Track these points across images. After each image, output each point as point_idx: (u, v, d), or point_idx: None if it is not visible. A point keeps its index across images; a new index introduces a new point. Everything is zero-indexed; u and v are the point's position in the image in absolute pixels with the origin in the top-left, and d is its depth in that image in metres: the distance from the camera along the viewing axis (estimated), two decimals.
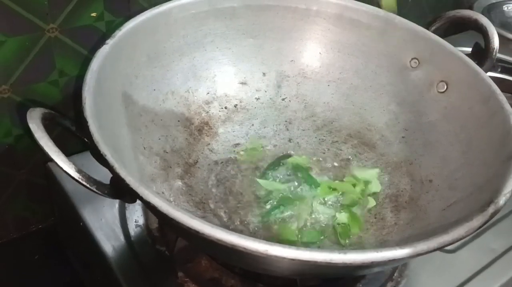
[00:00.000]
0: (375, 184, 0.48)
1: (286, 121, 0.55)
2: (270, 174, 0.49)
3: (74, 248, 0.57)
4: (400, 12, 0.54)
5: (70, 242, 0.57)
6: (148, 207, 0.31)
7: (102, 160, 0.33)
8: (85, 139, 0.35)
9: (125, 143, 0.42)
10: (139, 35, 0.47)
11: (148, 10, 0.48)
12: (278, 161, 0.51)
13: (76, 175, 0.31)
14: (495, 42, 0.50)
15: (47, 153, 0.31)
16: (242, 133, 0.53)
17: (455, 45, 0.50)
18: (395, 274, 0.45)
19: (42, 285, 0.62)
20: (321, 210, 0.45)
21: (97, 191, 0.32)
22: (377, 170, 0.50)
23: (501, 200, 0.34)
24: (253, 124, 0.54)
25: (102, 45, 0.42)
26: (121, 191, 0.33)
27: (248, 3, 0.54)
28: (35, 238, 0.61)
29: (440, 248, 0.31)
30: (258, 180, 0.47)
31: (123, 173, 0.31)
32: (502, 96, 0.44)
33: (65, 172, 0.31)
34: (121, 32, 0.44)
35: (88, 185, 0.32)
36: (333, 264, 0.29)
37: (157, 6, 0.49)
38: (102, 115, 0.38)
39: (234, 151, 0.51)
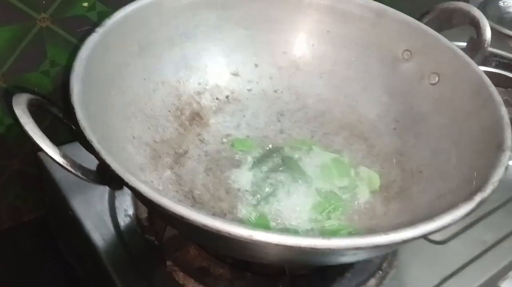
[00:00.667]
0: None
1: (277, 112, 0.55)
2: (261, 166, 0.48)
3: (65, 238, 0.57)
4: (395, 5, 0.54)
5: (61, 232, 0.57)
6: (134, 193, 0.31)
7: (89, 146, 0.33)
8: (72, 126, 0.35)
9: (114, 132, 0.41)
10: (130, 24, 0.46)
11: (140, 0, 0.48)
12: (269, 153, 0.51)
13: (61, 160, 0.31)
14: (487, 33, 0.50)
15: (32, 138, 0.30)
16: (234, 124, 0.53)
17: (451, 39, 0.50)
18: (384, 265, 0.45)
19: (34, 276, 0.62)
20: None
21: (82, 176, 0.32)
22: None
23: (489, 189, 0.34)
24: (244, 116, 0.54)
25: (92, 34, 0.42)
26: (107, 177, 0.33)
27: None
28: (28, 229, 0.61)
29: (426, 235, 0.31)
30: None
31: (108, 159, 0.31)
32: (492, 88, 0.44)
33: (50, 157, 0.31)
34: (111, 21, 0.44)
35: (73, 170, 0.32)
36: (318, 249, 0.29)
37: None
38: (91, 103, 0.38)
39: (224, 142, 0.51)
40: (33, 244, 0.61)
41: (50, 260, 0.62)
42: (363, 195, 0.47)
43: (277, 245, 0.28)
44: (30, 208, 0.59)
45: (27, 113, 0.31)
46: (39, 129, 0.31)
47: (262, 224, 0.42)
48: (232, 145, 0.51)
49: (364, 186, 0.47)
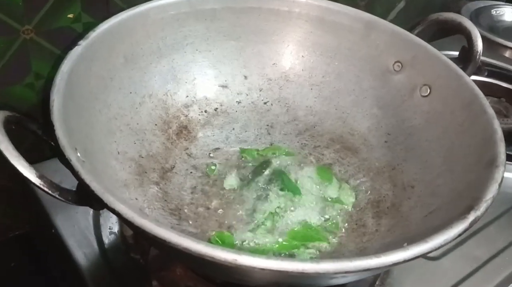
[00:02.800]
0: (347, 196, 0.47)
1: (267, 125, 0.54)
2: (252, 182, 0.47)
3: (50, 255, 0.55)
4: (388, 17, 0.53)
5: (47, 249, 0.56)
6: (115, 214, 0.30)
7: (68, 165, 0.31)
8: (52, 143, 0.33)
9: (97, 147, 0.40)
10: (115, 36, 0.45)
11: (125, 11, 0.47)
12: (260, 168, 0.49)
13: (37, 181, 0.30)
14: (479, 45, 0.49)
15: (7, 157, 0.29)
16: (222, 137, 0.52)
17: (442, 49, 0.49)
18: (377, 282, 0.44)
19: None
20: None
21: (59, 197, 0.31)
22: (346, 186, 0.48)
23: (482, 207, 0.33)
24: (233, 129, 0.53)
25: (74, 46, 0.41)
26: (87, 197, 0.32)
27: (229, 5, 0.53)
28: (14, 245, 0.59)
29: (418, 257, 0.30)
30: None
31: (88, 179, 0.30)
32: (485, 100, 0.43)
33: (25, 177, 0.29)
34: (95, 33, 0.43)
35: (50, 191, 0.31)
36: (306, 274, 0.28)
37: (134, 7, 0.47)
38: (73, 118, 0.37)
39: (212, 156, 0.50)
40: (19, 260, 0.60)
41: (35, 276, 0.61)
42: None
43: (262, 269, 0.27)
44: (16, 224, 0.58)
45: (2, 131, 0.30)
46: (14, 148, 0.30)
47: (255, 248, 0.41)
48: (220, 159, 0.50)
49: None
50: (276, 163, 0.49)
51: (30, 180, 0.30)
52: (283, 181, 0.47)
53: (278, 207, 0.44)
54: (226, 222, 0.44)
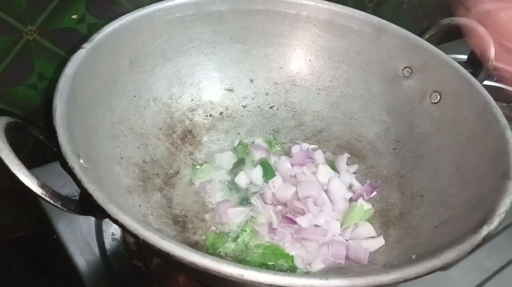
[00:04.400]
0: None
1: (273, 130, 0.53)
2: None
3: (51, 259, 0.55)
4: (396, 18, 0.52)
5: (48, 252, 0.55)
6: (118, 225, 0.29)
7: (71, 172, 0.31)
8: (54, 149, 0.33)
9: (101, 153, 0.39)
10: (120, 39, 0.45)
11: (130, 13, 0.46)
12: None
13: (39, 191, 0.29)
14: (491, 51, 0.48)
15: (7, 166, 0.28)
16: (228, 142, 0.51)
17: (450, 52, 0.48)
18: None
19: None
20: None
21: (62, 207, 0.30)
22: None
23: (495, 221, 0.33)
24: (239, 133, 0.52)
25: (78, 49, 0.40)
26: (90, 206, 0.31)
27: (236, 7, 0.52)
28: (15, 246, 0.59)
29: (429, 273, 0.29)
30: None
31: (91, 188, 0.29)
32: (497, 109, 0.42)
33: (27, 187, 0.29)
34: (100, 36, 0.42)
35: (52, 201, 0.30)
36: None
37: (140, 9, 0.47)
38: (76, 123, 0.36)
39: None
40: (20, 262, 0.59)
41: (36, 279, 0.60)
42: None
43: (270, 285, 0.26)
44: (18, 226, 0.57)
45: (4, 138, 0.29)
46: (15, 156, 0.29)
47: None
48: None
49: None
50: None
51: (32, 190, 0.29)
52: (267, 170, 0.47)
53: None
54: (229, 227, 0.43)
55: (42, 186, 0.29)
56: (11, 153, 0.29)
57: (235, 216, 0.43)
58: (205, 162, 0.48)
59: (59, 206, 0.30)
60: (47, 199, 0.30)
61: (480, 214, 0.34)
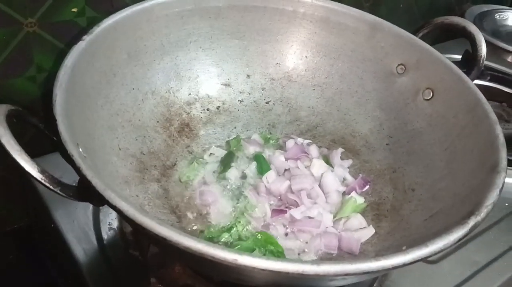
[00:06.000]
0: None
1: (269, 125, 0.54)
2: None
3: (47, 249, 0.55)
4: (392, 18, 0.53)
5: (45, 243, 0.56)
6: (116, 211, 0.30)
7: (69, 160, 0.31)
8: (54, 138, 0.33)
9: (99, 143, 0.40)
10: (119, 32, 0.45)
11: (130, 7, 0.47)
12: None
13: (38, 176, 0.30)
14: (483, 49, 0.49)
15: (8, 151, 0.29)
16: (224, 135, 0.52)
17: (445, 52, 0.49)
18: (375, 285, 0.44)
19: (16, 285, 0.60)
20: None
21: (61, 193, 0.31)
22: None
23: (483, 212, 0.33)
24: (235, 127, 0.53)
25: (78, 41, 0.40)
26: (88, 193, 0.32)
27: (233, 3, 0.52)
28: (11, 238, 0.59)
29: (418, 261, 0.30)
30: None
31: (90, 175, 0.30)
32: (487, 105, 0.43)
33: (27, 172, 0.29)
34: (99, 29, 0.43)
35: (51, 187, 0.30)
36: (306, 275, 0.28)
37: (139, 3, 0.47)
38: (75, 113, 0.37)
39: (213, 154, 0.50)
40: (16, 253, 0.60)
41: (32, 270, 0.60)
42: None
43: (263, 270, 0.27)
44: (14, 217, 0.58)
45: (5, 125, 0.30)
46: (16, 142, 0.30)
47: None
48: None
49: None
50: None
51: (32, 175, 0.30)
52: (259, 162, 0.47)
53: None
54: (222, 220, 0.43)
55: (42, 171, 0.30)
56: (12, 138, 0.30)
57: (221, 209, 0.44)
58: (201, 157, 0.49)
59: (58, 191, 0.31)
60: (47, 184, 0.30)
61: (468, 207, 0.35)
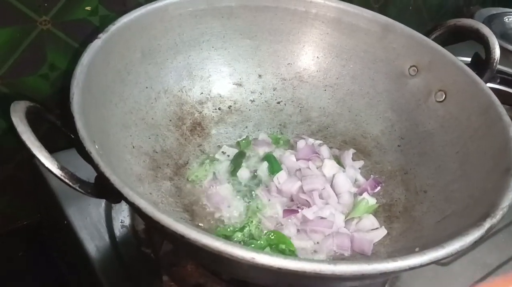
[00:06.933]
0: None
1: (280, 125, 0.54)
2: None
3: (58, 246, 0.55)
4: (401, 20, 0.53)
5: (55, 240, 0.56)
6: (133, 208, 0.30)
7: (87, 157, 0.32)
8: (71, 135, 0.33)
9: (113, 141, 0.40)
10: (133, 31, 0.45)
11: (144, 6, 0.47)
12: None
13: (58, 172, 0.30)
14: (496, 53, 0.49)
15: (29, 147, 0.29)
16: (235, 135, 0.52)
17: (454, 54, 0.49)
18: (385, 286, 0.44)
19: (25, 282, 0.60)
20: None
21: (80, 189, 0.31)
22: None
23: (498, 214, 0.33)
24: (246, 127, 0.53)
25: (94, 39, 0.41)
26: (105, 190, 0.32)
27: (246, 3, 0.53)
28: (21, 235, 0.59)
29: (434, 262, 0.30)
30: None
31: (108, 172, 0.30)
32: (501, 108, 0.43)
33: (47, 168, 0.30)
34: (115, 27, 0.43)
35: (70, 183, 0.31)
36: (323, 275, 0.28)
37: (153, 2, 0.47)
38: (90, 111, 0.37)
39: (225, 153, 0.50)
40: (25, 250, 0.60)
41: (42, 267, 0.61)
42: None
43: (279, 269, 0.27)
44: (24, 214, 0.58)
45: (25, 121, 0.30)
46: (36, 138, 0.30)
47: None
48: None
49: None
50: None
51: (52, 171, 0.30)
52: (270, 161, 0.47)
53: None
54: (234, 218, 0.44)
55: (62, 168, 0.30)
56: (32, 135, 0.30)
57: (233, 208, 0.44)
58: (213, 156, 0.49)
59: (77, 188, 0.31)
60: (66, 180, 0.30)
61: (482, 209, 0.35)
